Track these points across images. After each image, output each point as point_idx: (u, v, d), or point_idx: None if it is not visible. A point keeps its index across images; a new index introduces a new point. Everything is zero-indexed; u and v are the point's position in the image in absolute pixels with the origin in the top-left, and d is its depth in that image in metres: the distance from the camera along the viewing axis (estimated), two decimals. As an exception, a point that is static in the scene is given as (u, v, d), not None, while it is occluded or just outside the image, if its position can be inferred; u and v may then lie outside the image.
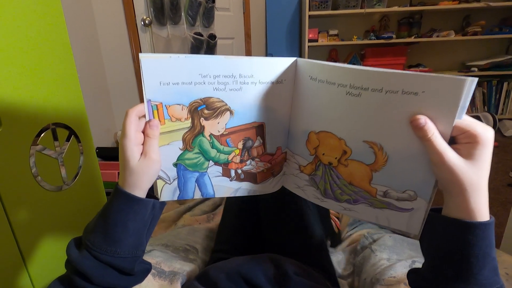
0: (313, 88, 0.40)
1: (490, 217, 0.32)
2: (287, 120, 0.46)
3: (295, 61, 0.42)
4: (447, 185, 0.32)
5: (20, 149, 0.59)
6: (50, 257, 0.66)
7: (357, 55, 2.53)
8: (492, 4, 2.20)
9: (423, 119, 0.31)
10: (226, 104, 0.42)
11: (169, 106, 0.41)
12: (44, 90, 0.65)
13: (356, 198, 0.41)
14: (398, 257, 0.65)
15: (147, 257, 0.65)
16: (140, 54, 0.38)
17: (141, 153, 0.39)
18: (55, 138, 0.67)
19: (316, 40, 2.41)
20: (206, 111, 0.42)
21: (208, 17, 2.03)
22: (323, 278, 0.55)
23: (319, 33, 2.42)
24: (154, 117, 0.40)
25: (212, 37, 2.06)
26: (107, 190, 0.95)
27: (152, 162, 0.39)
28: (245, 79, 0.41)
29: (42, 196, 0.64)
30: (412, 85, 0.32)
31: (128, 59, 1.89)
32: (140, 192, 0.39)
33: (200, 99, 0.41)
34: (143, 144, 0.40)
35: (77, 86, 0.75)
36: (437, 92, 0.31)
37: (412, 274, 0.38)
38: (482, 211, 0.31)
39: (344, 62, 2.57)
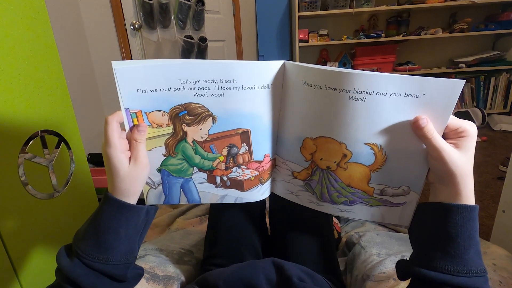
0: (307, 93, 0.38)
1: (475, 204, 0.35)
2: (275, 126, 0.44)
3: (283, 65, 0.39)
4: (443, 175, 0.35)
5: (8, 158, 0.59)
6: (41, 266, 0.65)
7: (348, 55, 2.56)
8: (477, 1, 2.24)
9: (425, 120, 0.34)
10: (208, 110, 0.41)
11: (149, 112, 0.40)
12: (31, 97, 0.64)
13: (353, 199, 0.43)
14: (387, 251, 0.66)
15: (140, 262, 0.65)
16: (112, 62, 0.36)
17: (129, 159, 0.39)
18: (44, 145, 0.67)
19: (307, 41, 2.43)
20: (187, 117, 0.41)
21: (198, 20, 2.03)
22: (330, 284, 0.53)
23: (309, 33, 2.44)
24: (134, 125, 0.40)
25: (203, 40, 2.06)
26: (99, 196, 0.94)
27: (143, 167, 0.39)
28: (226, 84, 0.39)
29: (33, 204, 0.64)
30: (414, 88, 0.33)
31: (118, 63, 1.88)
32: (133, 198, 0.39)
33: (181, 105, 0.40)
34: (130, 150, 0.40)
35: (66, 92, 0.74)
36: (436, 93, 0.33)
37: (400, 264, 0.39)
38: (469, 197, 0.35)
39: (335, 61, 2.59)
